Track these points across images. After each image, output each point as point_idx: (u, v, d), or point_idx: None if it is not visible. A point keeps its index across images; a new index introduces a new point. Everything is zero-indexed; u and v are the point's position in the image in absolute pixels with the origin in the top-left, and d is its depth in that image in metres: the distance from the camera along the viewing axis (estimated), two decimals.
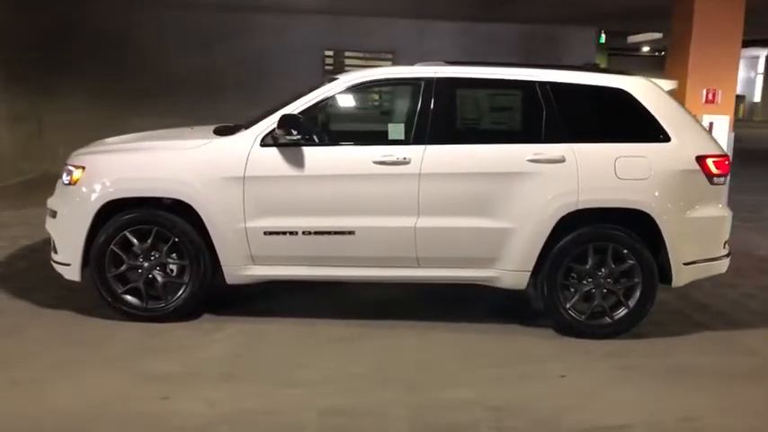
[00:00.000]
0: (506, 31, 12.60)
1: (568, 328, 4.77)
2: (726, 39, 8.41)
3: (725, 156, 4.80)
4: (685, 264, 4.75)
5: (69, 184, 4.78)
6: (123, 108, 11.26)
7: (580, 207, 4.62)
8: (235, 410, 3.60)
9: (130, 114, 10.84)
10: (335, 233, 4.68)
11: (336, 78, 4.93)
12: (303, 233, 4.68)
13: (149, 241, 4.73)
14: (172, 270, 4.80)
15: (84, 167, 4.74)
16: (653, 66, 26.12)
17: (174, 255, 4.77)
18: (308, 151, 4.65)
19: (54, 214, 4.84)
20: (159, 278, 4.77)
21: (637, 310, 4.74)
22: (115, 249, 4.73)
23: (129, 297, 4.79)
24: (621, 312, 4.75)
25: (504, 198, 4.64)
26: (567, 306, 4.75)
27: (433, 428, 3.52)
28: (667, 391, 4.00)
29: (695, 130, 4.81)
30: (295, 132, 4.57)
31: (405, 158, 4.63)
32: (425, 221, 4.66)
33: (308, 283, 5.23)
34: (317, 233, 4.68)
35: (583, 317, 4.77)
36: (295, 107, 4.72)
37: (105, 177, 4.69)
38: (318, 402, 3.71)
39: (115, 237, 4.71)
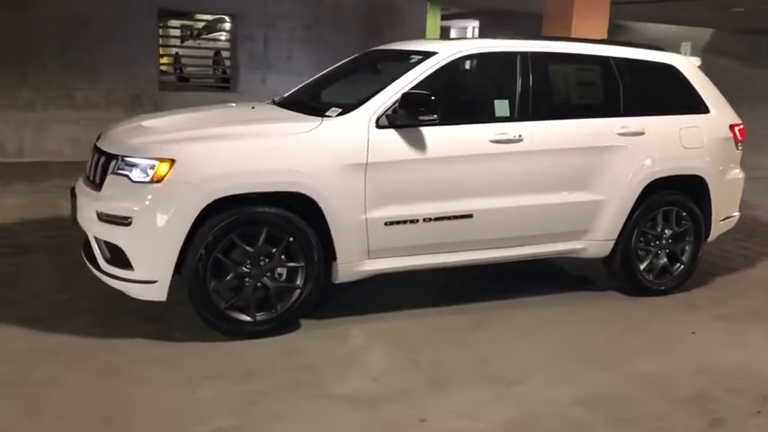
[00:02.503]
0: None
1: (641, 290, 5.14)
2: None
3: (742, 124, 5.51)
4: (721, 221, 5.39)
5: (151, 181, 3.83)
6: None
7: (657, 176, 4.97)
8: (502, 419, 3.33)
9: None
10: (455, 218, 4.45)
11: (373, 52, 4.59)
12: (424, 220, 4.36)
13: (259, 244, 4.02)
14: (280, 274, 4.14)
15: (173, 160, 3.82)
16: None
17: (282, 257, 4.12)
18: (427, 132, 4.31)
19: (124, 221, 3.84)
20: (270, 285, 4.08)
21: (690, 265, 5.27)
22: (220, 257, 3.94)
23: (234, 312, 4.03)
24: (679, 269, 5.24)
25: (599, 171, 4.81)
26: (642, 268, 5.10)
27: (695, 397, 3.64)
28: None
29: (722, 101, 5.42)
30: (423, 111, 4.20)
31: (519, 136, 4.54)
32: (536, 199, 4.65)
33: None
34: (436, 219, 4.40)
35: (650, 276, 5.16)
36: (404, 85, 4.32)
37: (209, 170, 3.85)
38: (562, 397, 3.58)
39: (219, 242, 3.91)
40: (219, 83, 12.27)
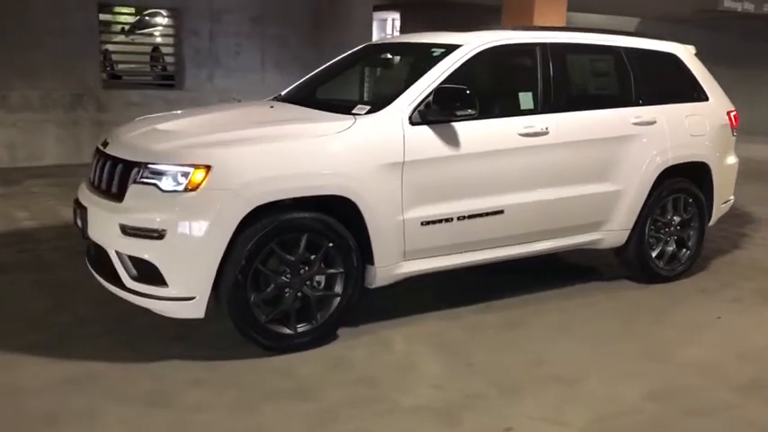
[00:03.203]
0: None
1: (653, 277, 5.19)
2: None
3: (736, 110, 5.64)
4: (721, 204, 5.52)
5: (185, 190, 3.53)
6: None
7: (669, 164, 5.02)
8: (585, 422, 3.25)
9: None
10: (487, 214, 4.34)
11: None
12: (458, 218, 4.24)
13: (300, 251, 3.79)
14: (318, 282, 3.92)
15: (208, 166, 3.54)
16: None
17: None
18: (459, 127, 4.18)
19: (157, 234, 3.53)
20: (309, 294, 3.86)
21: (696, 250, 5.37)
22: (261, 268, 3.69)
23: (275, 325, 3.79)
24: (686, 254, 5.32)
25: (617, 161, 4.82)
26: (654, 256, 5.15)
27: (750, 383, 3.69)
28: None
29: (718, 89, 5.53)
30: (459, 106, 4.06)
31: (545, 128, 4.48)
32: (561, 192, 4.61)
33: None
34: (470, 217, 4.28)
35: (661, 263, 5.22)
36: (433, 79, 4.17)
37: (249, 176, 3.59)
38: (628, 393, 3.53)
39: (259, 252, 3.66)
40: (160, 80, 11.70)
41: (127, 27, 13.47)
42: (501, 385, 3.54)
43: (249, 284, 3.66)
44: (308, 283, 3.85)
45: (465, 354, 3.91)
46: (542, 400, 3.42)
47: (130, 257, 3.64)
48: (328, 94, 5.01)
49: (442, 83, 4.16)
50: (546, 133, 4.47)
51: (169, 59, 11.27)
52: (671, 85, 5.26)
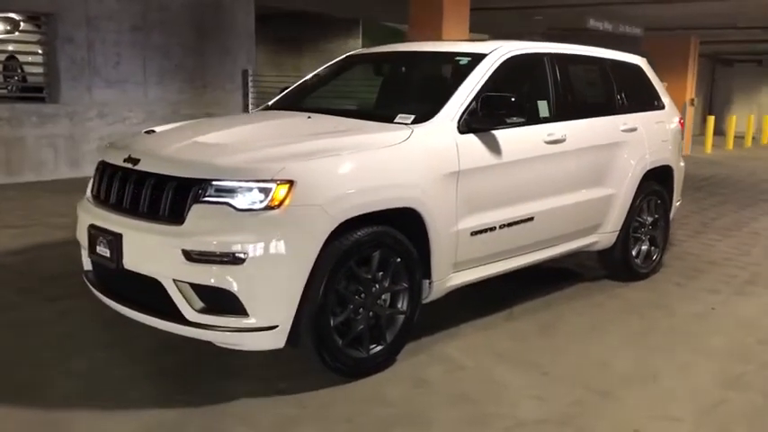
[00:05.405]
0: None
1: (633, 275, 5.49)
2: None
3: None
4: (676, 203, 5.98)
5: (267, 208, 3.20)
6: None
7: (647, 169, 5.36)
8: (696, 415, 3.36)
9: None
10: (521, 222, 4.37)
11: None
12: (500, 227, 4.23)
13: (374, 268, 3.58)
14: (385, 300, 3.71)
15: (291, 181, 3.23)
16: None
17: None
18: (499, 135, 4.18)
19: (236, 259, 3.16)
20: (381, 313, 3.65)
21: (663, 248, 5.77)
22: (339, 289, 3.43)
23: (350, 349, 3.54)
24: (657, 251, 5.70)
25: (611, 166, 5.06)
26: (634, 255, 5.46)
27: None
28: None
29: (669, 97, 5.99)
30: (505, 113, 4.06)
31: (564, 136, 4.60)
32: (572, 197, 4.75)
33: None
34: (509, 225, 4.29)
35: (639, 261, 5.55)
36: (471, 87, 4.14)
37: (334, 191, 3.33)
38: (707, 385, 3.70)
39: (339, 271, 3.40)
40: (21, 93, 10.51)
41: None
42: (593, 390, 3.56)
43: (329, 308, 3.39)
44: (377, 301, 3.64)
45: (530, 362, 3.89)
46: (641, 399, 3.48)
47: (195, 286, 3.23)
48: (335, 103, 4.80)
49: (479, 91, 4.13)
50: (564, 140, 4.59)
51: (37, 69, 10.16)
52: (640, 94, 5.62)
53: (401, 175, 3.64)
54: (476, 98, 4.07)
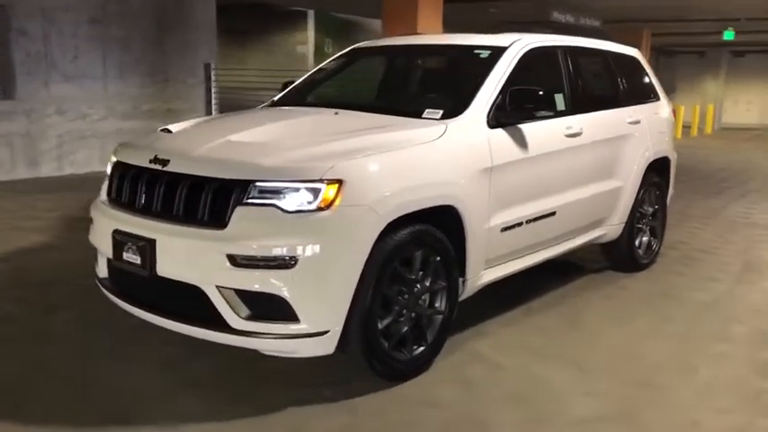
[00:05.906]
0: None
1: (636, 266, 5.54)
2: None
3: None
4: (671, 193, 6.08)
5: (317, 209, 3.06)
6: None
7: (650, 160, 5.41)
8: (742, 405, 3.38)
9: None
10: (544, 216, 4.34)
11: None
12: (526, 222, 4.18)
13: (417, 267, 3.48)
14: (424, 300, 3.62)
15: (340, 180, 3.10)
16: None
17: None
18: (525, 129, 4.12)
19: (286, 263, 3.01)
20: (423, 314, 3.56)
21: (662, 237, 5.84)
22: (385, 291, 3.32)
23: (395, 352, 3.44)
24: (656, 243, 5.77)
25: (619, 158, 5.08)
26: (638, 244, 5.52)
27: None
28: None
29: (661, 89, 6.06)
30: (534, 107, 4.01)
31: (581, 129, 4.58)
32: (588, 190, 4.75)
33: None
34: (534, 220, 4.25)
35: (641, 252, 5.61)
36: (497, 81, 4.07)
37: (382, 190, 3.20)
38: (742, 373, 3.73)
39: (386, 272, 3.29)
40: None
41: None
42: (640, 384, 3.54)
43: (377, 310, 3.28)
44: (418, 302, 3.54)
45: (564, 358, 3.86)
46: (688, 391, 3.49)
47: (241, 293, 3.07)
48: (351, 99, 4.68)
49: (504, 85, 4.07)
50: (580, 134, 4.57)
51: None
52: (639, 86, 5.66)
53: (441, 172, 3.55)
54: (501, 92, 4.00)
